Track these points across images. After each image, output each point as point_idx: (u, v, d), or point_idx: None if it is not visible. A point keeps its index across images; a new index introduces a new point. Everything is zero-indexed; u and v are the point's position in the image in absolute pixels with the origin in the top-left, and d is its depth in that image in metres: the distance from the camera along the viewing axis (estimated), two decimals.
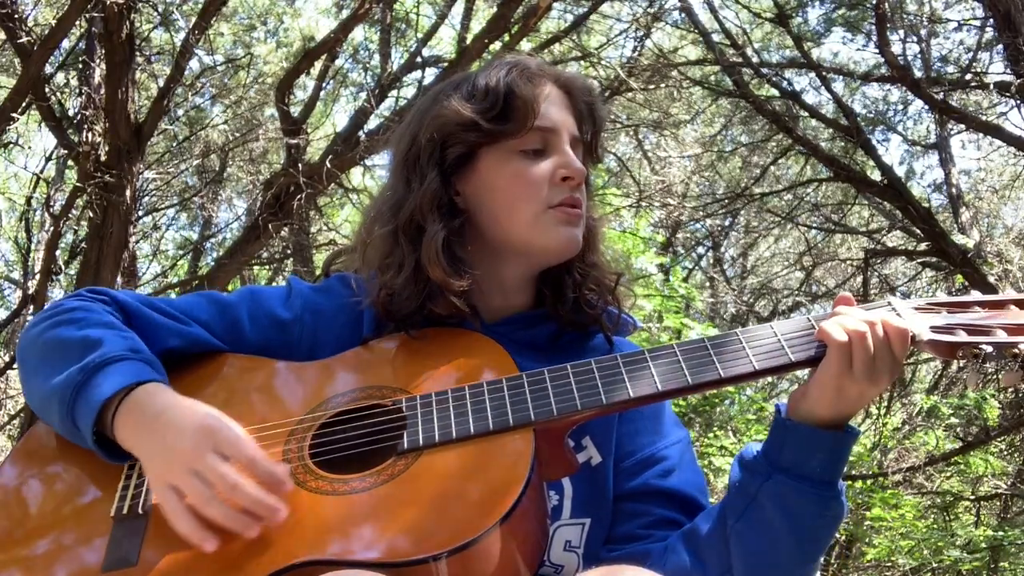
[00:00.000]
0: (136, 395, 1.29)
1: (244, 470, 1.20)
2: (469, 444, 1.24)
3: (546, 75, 1.49)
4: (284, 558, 1.16)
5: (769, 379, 9.81)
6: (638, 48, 9.30)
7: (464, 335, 1.41)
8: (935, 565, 7.93)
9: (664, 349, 1.31)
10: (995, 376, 1.23)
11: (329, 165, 6.66)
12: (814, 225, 11.18)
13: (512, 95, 1.43)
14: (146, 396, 1.29)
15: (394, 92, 7.46)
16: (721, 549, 1.31)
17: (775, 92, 9.06)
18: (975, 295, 1.33)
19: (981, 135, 9.62)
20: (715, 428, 7.30)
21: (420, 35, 7.83)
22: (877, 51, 8.17)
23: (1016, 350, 1.21)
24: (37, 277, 7.55)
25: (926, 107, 9.16)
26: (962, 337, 1.25)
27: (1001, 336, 1.23)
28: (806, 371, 1.32)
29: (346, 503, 1.21)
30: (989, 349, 1.22)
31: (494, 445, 1.24)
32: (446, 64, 7.16)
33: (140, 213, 8.54)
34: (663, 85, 9.15)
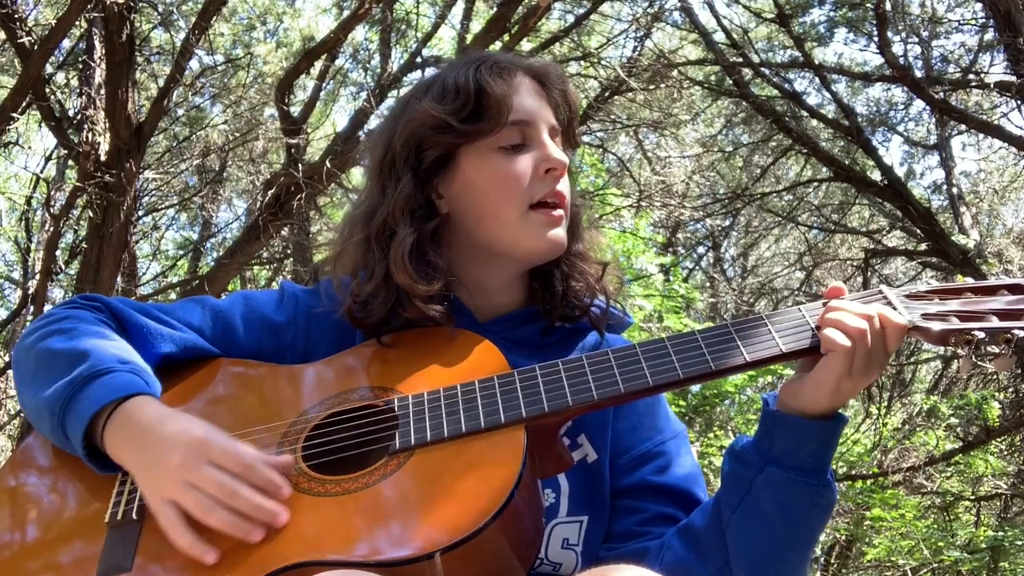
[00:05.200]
0: (124, 409, 1.28)
1: (240, 477, 1.20)
2: (461, 442, 1.24)
3: (517, 67, 1.48)
4: (277, 560, 1.16)
5: (769, 378, 9.80)
6: (638, 48, 9.29)
7: (456, 334, 1.41)
8: (935, 565, 7.94)
9: (655, 343, 1.30)
10: (991, 359, 1.23)
11: (329, 165, 6.66)
12: (814, 225, 11.17)
13: (483, 92, 1.41)
14: (134, 410, 1.28)
15: (394, 92, 7.44)
16: (718, 543, 1.31)
17: (775, 92, 9.07)
18: (967, 282, 1.32)
19: (981, 135, 9.62)
20: (715, 428, 7.30)
21: (420, 35, 7.83)
22: (878, 52, 8.17)
23: (1008, 335, 1.20)
24: (37, 277, 7.55)
25: (927, 107, 9.16)
26: (954, 324, 1.23)
27: (993, 321, 1.22)
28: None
29: (339, 504, 1.21)
30: (981, 335, 1.21)
31: (486, 443, 1.23)
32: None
33: (140, 213, 8.55)
34: (663, 85, 9.14)
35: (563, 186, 1.45)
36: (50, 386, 1.31)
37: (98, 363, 1.31)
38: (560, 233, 1.44)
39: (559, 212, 1.43)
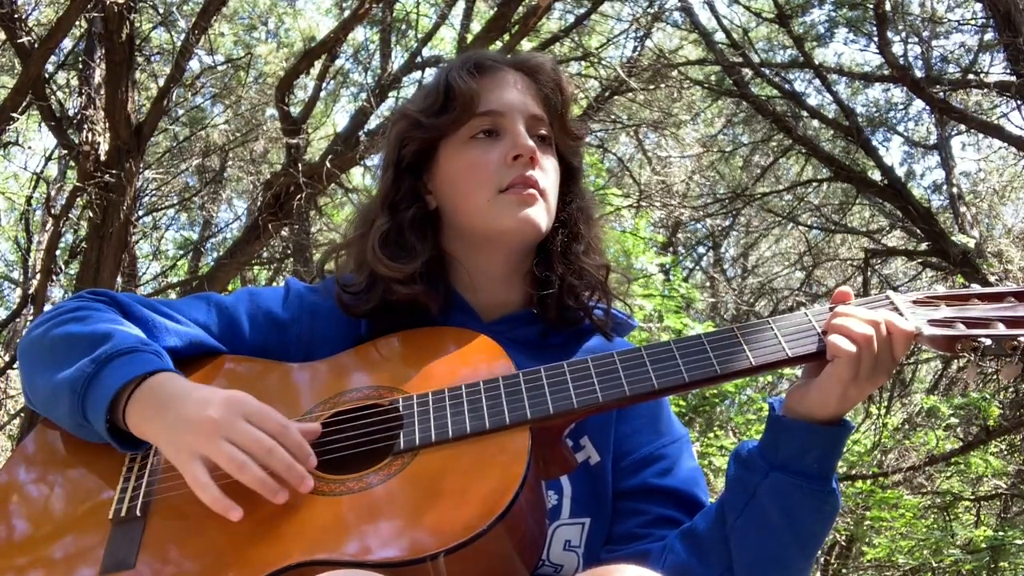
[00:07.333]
0: (151, 382, 1.29)
1: (277, 437, 1.22)
2: (466, 443, 1.24)
3: (501, 63, 1.52)
4: (280, 559, 1.16)
5: (769, 378, 9.80)
6: (638, 48, 9.29)
7: (462, 334, 1.41)
8: (935, 565, 7.94)
9: (661, 346, 1.30)
10: (994, 372, 1.23)
11: (329, 165, 6.65)
12: (814, 225, 11.17)
13: (450, 89, 1.47)
14: (163, 382, 1.29)
15: (394, 92, 7.44)
16: (721, 547, 1.31)
17: (775, 92, 9.06)
18: (974, 288, 1.31)
19: (981, 135, 9.62)
20: (715, 428, 7.30)
21: (420, 35, 7.82)
22: (878, 52, 8.17)
23: (1015, 343, 1.20)
24: (37, 277, 7.53)
25: (927, 107, 9.16)
26: (961, 330, 1.23)
27: (1000, 329, 1.22)
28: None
29: (343, 504, 1.21)
30: (988, 342, 1.21)
31: (491, 444, 1.23)
32: (446, 65, 7.12)
33: (140, 213, 8.54)
34: (663, 85, 9.14)
35: (536, 173, 1.46)
36: (69, 367, 1.31)
37: (121, 343, 1.32)
38: (533, 213, 1.44)
39: (530, 191, 1.44)
